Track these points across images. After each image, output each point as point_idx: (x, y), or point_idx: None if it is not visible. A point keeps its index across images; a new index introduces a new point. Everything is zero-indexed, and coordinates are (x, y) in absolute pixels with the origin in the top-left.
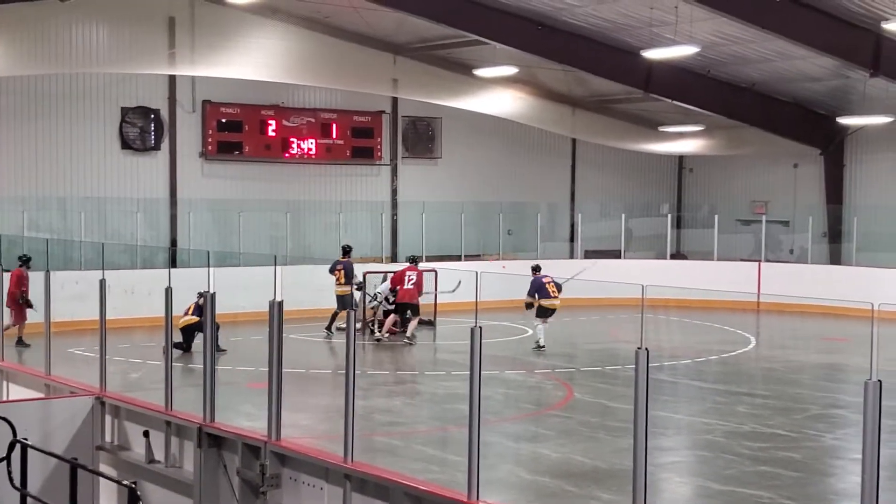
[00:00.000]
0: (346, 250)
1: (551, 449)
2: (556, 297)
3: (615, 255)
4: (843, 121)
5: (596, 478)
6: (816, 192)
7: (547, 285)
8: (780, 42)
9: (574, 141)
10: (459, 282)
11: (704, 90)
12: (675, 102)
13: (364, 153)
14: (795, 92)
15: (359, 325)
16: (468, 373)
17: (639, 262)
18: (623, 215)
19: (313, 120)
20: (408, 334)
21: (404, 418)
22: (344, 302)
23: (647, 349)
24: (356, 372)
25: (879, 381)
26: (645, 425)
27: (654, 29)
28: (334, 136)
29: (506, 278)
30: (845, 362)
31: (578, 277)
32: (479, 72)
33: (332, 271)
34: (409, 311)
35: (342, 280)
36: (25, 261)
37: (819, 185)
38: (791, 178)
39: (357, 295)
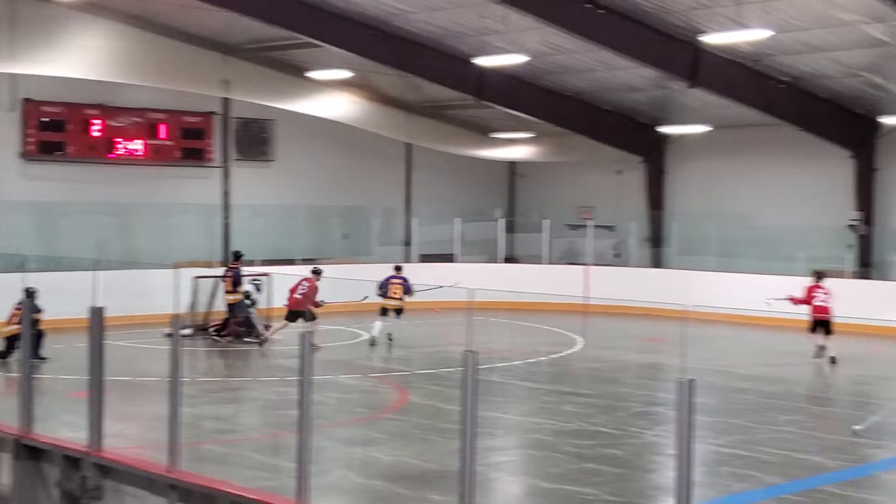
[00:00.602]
0: (237, 256)
1: (384, 452)
2: (396, 299)
3: (449, 258)
4: (664, 129)
5: (428, 480)
6: (639, 197)
7: (391, 286)
8: (604, 53)
9: (409, 145)
10: (366, 297)
11: (533, 98)
12: (506, 109)
13: (194, 154)
14: (618, 101)
15: (189, 331)
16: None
17: (472, 266)
18: (457, 220)
19: (141, 120)
20: (269, 334)
21: (235, 426)
22: (234, 309)
23: (475, 351)
24: (186, 379)
25: (691, 379)
26: (474, 426)
27: (484, 37)
28: (163, 136)
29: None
30: (665, 361)
31: (454, 286)
32: (313, 74)
33: (222, 279)
34: (300, 319)
35: (230, 287)
36: None
37: (641, 191)
38: (615, 184)
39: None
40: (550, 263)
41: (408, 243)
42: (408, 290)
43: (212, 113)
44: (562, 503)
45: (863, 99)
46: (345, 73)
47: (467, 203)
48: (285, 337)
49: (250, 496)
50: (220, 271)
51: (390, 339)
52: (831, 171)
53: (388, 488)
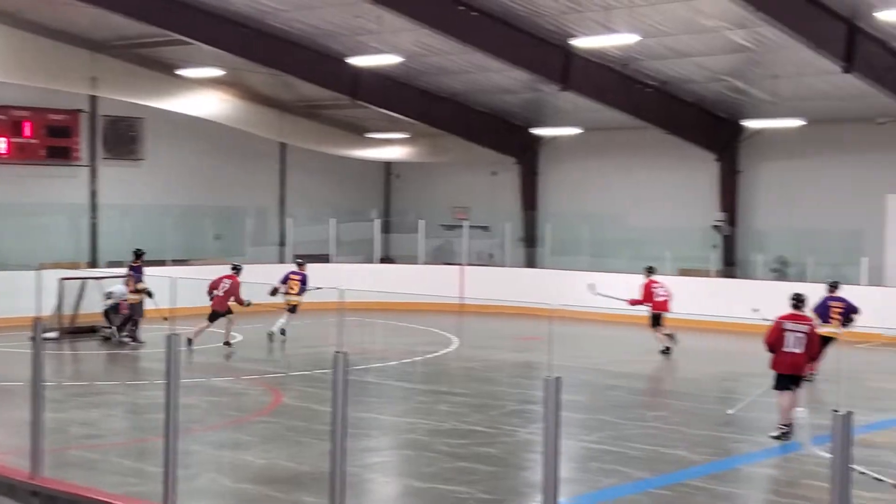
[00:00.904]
0: (138, 254)
1: (256, 455)
2: (293, 294)
3: (324, 259)
4: (537, 131)
5: (300, 482)
6: (513, 198)
7: (290, 281)
8: (477, 55)
9: (283, 145)
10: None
11: (408, 98)
12: (380, 110)
13: (60, 153)
14: (492, 103)
15: (54, 334)
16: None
17: (348, 266)
18: (332, 220)
19: (4, 117)
20: (192, 336)
21: (102, 430)
22: (134, 310)
23: (345, 352)
24: (52, 384)
25: (557, 377)
26: (344, 427)
27: (359, 37)
28: (27, 134)
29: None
30: (538, 360)
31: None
32: (184, 72)
33: (125, 278)
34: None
35: (132, 286)
36: None
37: (515, 192)
38: (490, 185)
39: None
40: (426, 264)
41: (282, 244)
42: (304, 288)
43: (79, 111)
44: (435, 502)
45: (726, 103)
46: (216, 72)
47: (343, 203)
48: (151, 339)
49: (115, 501)
50: (88, 272)
51: (283, 335)
52: (697, 173)
53: (259, 491)
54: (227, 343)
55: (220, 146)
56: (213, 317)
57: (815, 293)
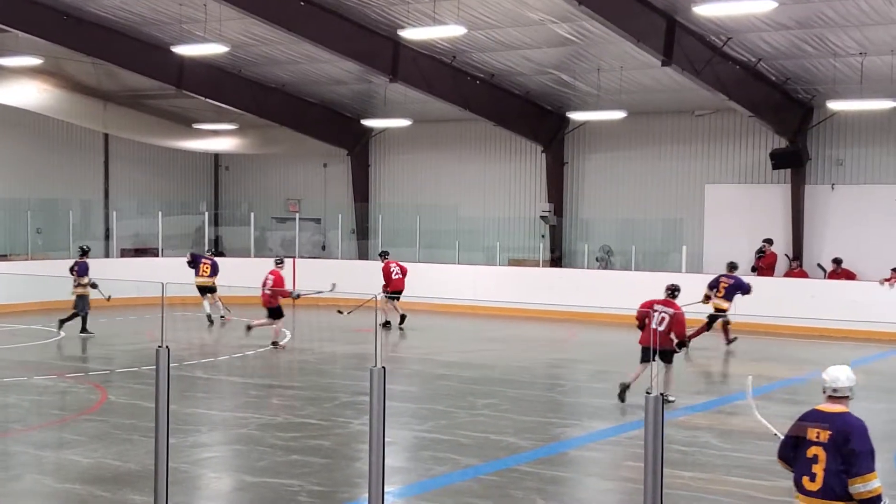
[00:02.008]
0: (84, 251)
1: (82, 455)
2: (204, 276)
3: (154, 253)
4: (368, 123)
5: (129, 480)
6: (345, 190)
7: (202, 264)
8: (306, 45)
9: (107, 136)
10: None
11: (237, 89)
12: (207, 100)
13: None
14: (323, 94)
15: None
16: None
17: (176, 261)
18: (160, 213)
19: None
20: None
21: None
22: (82, 303)
23: (167, 346)
24: None
25: (384, 367)
26: (166, 423)
27: (184, 25)
28: None
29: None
30: (372, 352)
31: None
32: (1, 61)
33: (70, 271)
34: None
35: (80, 281)
36: None
37: (347, 183)
38: (322, 177)
39: None
40: (256, 257)
41: (107, 237)
42: (214, 271)
43: None
44: (267, 496)
45: (552, 95)
46: (35, 60)
47: (171, 196)
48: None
49: None
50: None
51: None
52: (525, 164)
53: (87, 491)
54: (274, 343)
55: (41, 137)
56: (271, 314)
57: (638, 281)
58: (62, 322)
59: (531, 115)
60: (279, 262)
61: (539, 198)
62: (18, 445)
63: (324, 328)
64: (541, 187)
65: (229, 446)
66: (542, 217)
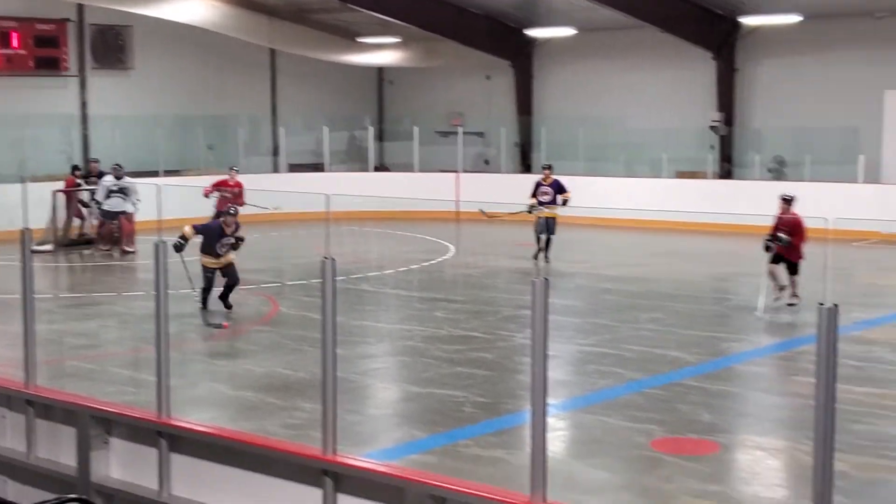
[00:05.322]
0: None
1: (255, 364)
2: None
3: (319, 168)
4: (531, 33)
5: (299, 389)
6: (508, 103)
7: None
8: None
9: (273, 52)
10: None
11: (400, 1)
12: (371, 13)
13: (49, 64)
14: (486, 4)
15: (49, 247)
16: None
17: (342, 175)
18: (325, 128)
19: None
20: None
21: (98, 341)
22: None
23: (332, 258)
24: (48, 295)
25: (546, 279)
26: (334, 333)
27: None
28: (15, 45)
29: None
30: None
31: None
32: None
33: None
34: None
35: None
36: None
37: (510, 96)
38: (484, 89)
39: None
40: (421, 171)
41: (275, 153)
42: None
43: (66, 20)
44: (432, 406)
45: None
46: None
47: (336, 111)
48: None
49: (111, 409)
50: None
51: None
52: (694, 73)
53: (259, 399)
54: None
55: (210, 53)
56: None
57: (811, 192)
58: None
59: (701, 21)
60: (233, 169)
61: (709, 107)
62: (195, 354)
63: (488, 242)
64: (711, 96)
65: (396, 357)
66: (711, 127)
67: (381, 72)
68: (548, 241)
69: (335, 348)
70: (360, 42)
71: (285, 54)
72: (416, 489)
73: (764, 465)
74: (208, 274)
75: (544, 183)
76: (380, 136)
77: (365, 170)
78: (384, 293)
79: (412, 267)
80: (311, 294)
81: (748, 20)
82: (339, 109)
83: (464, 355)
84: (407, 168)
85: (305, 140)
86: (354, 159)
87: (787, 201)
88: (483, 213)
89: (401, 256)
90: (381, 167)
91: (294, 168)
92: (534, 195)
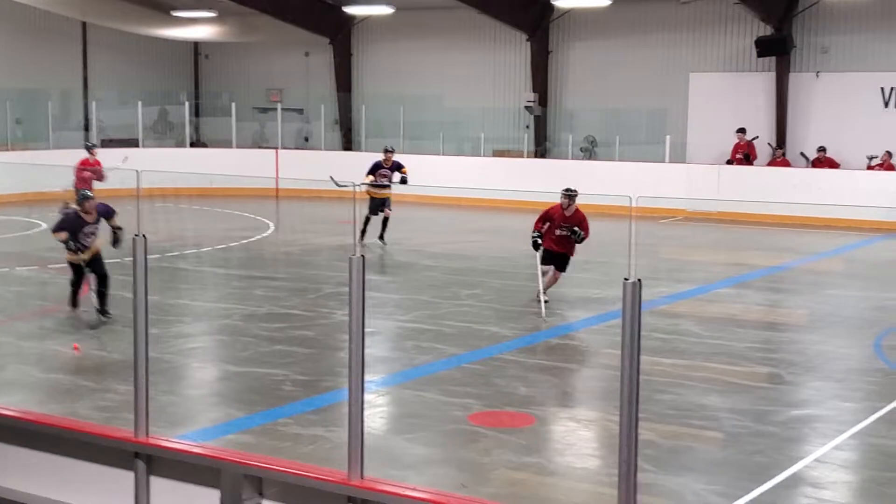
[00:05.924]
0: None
1: (65, 345)
2: None
3: (133, 143)
4: (349, 10)
5: (113, 371)
6: (327, 80)
7: None
8: None
9: (85, 24)
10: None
11: None
12: None
13: None
14: None
15: None
16: None
17: (157, 151)
18: (139, 103)
19: None
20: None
21: None
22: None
23: (144, 235)
24: None
25: (363, 255)
26: (145, 312)
27: None
28: None
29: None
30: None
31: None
32: None
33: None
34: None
35: None
36: None
37: (329, 73)
38: (303, 66)
39: None
40: (239, 147)
41: (87, 128)
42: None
43: None
44: (251, 385)
45: None
46: None
47: (152, 85)
48: None
49: None
50: None
51: None
52: (509, 54)
53: (71, 381)
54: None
55: (18, 25)
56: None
57: (621, 172)
58: None
59: (516, 3)
60: (90, 148)
61: (524, 88)
62: (4, 336)
63: (308, 220)
64: (525, 77)
65: (214, 336)
66: (526, 107)
67: (196, 46)
68: (384, 221)
69: (147, 327)
70: (175, 16)
71: (97, 27)
72: (232, 469)
73: (577, 435)
74: (76, 269)
75: (385, 165)
76: (196, 112)
77: (181, 145)
78: (202, 271)
79: (231, 244)
80: (124, 272)
81: (561, 2)
82: (155, 84)
83: (284, 333)
84: (225, 144)
85: (120, 114)
86: (168, 135)
87: (572, 197)
88: (334, 180)
89: (219, 234)
90: (197, 143)
91: (107, 143)
92: (371, 174)
